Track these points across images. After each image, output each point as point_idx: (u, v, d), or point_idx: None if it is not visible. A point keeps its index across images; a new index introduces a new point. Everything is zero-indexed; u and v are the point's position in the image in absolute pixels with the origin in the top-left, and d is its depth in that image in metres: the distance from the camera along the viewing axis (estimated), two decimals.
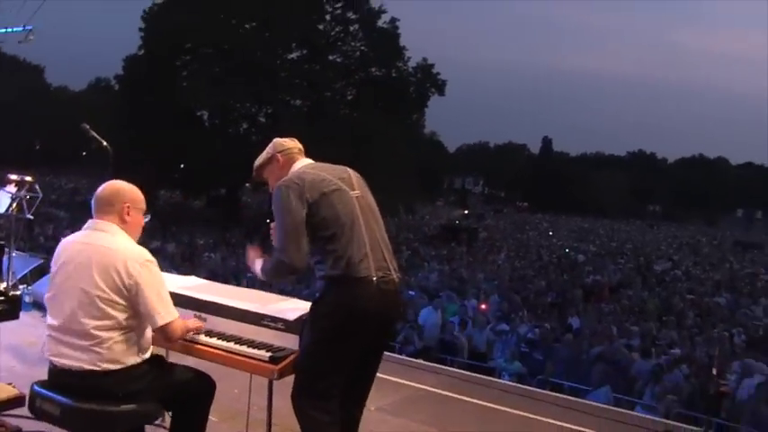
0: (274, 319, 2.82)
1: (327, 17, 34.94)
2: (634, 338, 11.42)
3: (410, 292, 14.12)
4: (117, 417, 2.48)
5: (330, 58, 34.94)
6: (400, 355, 7.71)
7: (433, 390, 5.03)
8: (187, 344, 2.81)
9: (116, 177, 4.47)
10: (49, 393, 2.50)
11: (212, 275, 11.68)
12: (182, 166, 32.02)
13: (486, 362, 10.06)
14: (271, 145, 3.10)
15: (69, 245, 2.70)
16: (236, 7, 32.42)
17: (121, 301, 2.51)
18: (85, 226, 2.72)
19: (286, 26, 33.12)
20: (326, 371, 2.70)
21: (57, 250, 2.77)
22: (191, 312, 2.90)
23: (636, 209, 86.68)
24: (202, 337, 2.82)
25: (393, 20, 34.47)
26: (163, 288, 2.60)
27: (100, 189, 2.75)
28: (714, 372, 6.06)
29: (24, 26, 11.71)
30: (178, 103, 29.87)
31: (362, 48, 35.11)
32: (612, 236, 50.65)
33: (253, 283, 13.50)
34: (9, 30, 11.81)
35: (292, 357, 2.69)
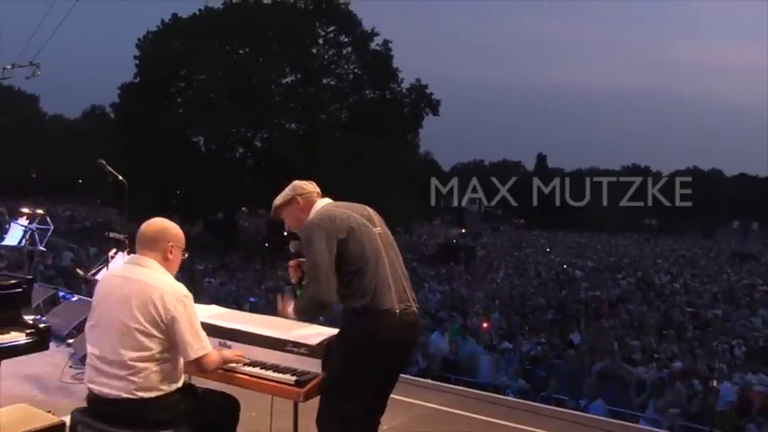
0: (297, 345, 2.96)
1: (320, 41, 35.33)
2: (635, 353, 11.54)
3: None
4: None
5: (324, 81, 35.27)
6: (405, 375, 7.80)
7: (443, 408, 5.13)
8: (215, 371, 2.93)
9: (124, 208, 4.65)
10: (90, 421, 2.63)
11: (213, 301, 11.77)
12: (178, 192, 32.16)
13: (490, 380, 10.17)
14: (290, 187, 3.23)
15: (111, 278, 2.87)
16: (229, 34, 32.81)
17: (158, 334, 2.64)
18: (127, 260, 2.93)
19: (280, 51, 33.50)
20: (351, 396, 2.84)
21: (99, 282, 2.96)
22: (216, 340, 3.02)
23: (632, 223, 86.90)
24: (232, 364, 2.94)
25: (386, 42, 34.95)
26: (197, 322, 2.74)
27: (145, 226, 2.90)
28: (715, 384, 6.22)
29: (31, 62, 12.00)
30: (174, 130, 30.10)
31: (356, 70, 35.48)
32: (610, 251, 50.86)
33: (256, 307, 13.61)
34: (15, 65, 12.04)
35: (317, 380, 2.82)
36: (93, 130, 59.18)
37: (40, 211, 6.29)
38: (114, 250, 5.09)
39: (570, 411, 5.79)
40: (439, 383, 6.16)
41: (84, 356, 5.30)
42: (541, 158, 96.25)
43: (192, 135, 33.82)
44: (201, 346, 2.72)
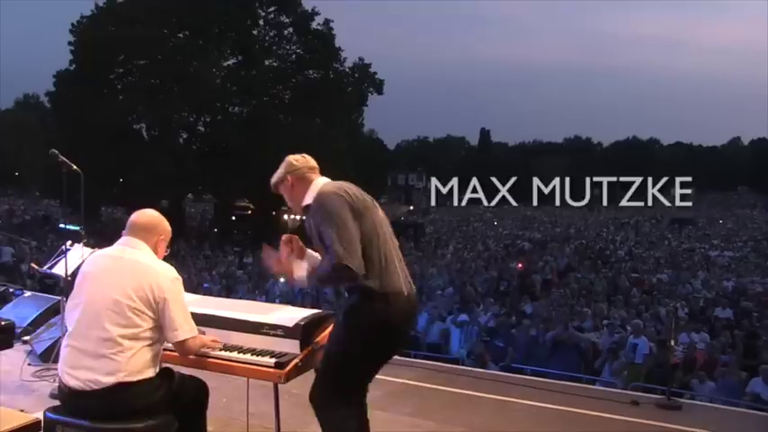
0: (274, 327, 2.96)
1: (261, 22, 34.72)
2: (586, 320, 11.87)
3: None
4: None
5: (266, 63, 34.73)
6: None
7: (413, 383, 5.21)
8: (194, 357, 2.91)
9: (72, 200, 4.54)
10: (67, 418, 2.56)
11: None
12: (121, 180, 31.36)
13: (446, 353, 10.35)
14: (283, 164, 3.16)
15: (101, 258, 2.86)
16: (167, 17, 31.95)
17: (149, 313, 2.65)
18: (119, 242, 2.86)
19: (219, 33, 32.84)
20: (357, 376, 2.88)
21: (87, 262, 2.94)
22: None
23: (575, 193, 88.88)
24: (207, 349, 2.93)
25: (327, 21, 34.52)
26: (186, 306, 2.77)
27: (138, 215, 2.93)
28: (671, 344, 6.48)
29: None
30: (114, 117, 29.26)
31: (298, 50, 35.02)
32: (556, 222, 51.80)
33: (210, 293, 13.45)
34: None
35: (296, 362, 2.84)
36: (27, 120, 57.22)
37: None
38: (70, 242, 4.95)
39: (534, 378, 5.93)
40: (407, 359, 6.23)
41: (46, 353, 5.22)
42: (485, 133, 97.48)
43: (134, 122, 32.97)
44: (191, 328, 2.75)
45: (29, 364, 5.11)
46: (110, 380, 2.55)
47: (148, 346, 2.67)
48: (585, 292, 15.92)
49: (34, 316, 6.03)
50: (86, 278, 2.80)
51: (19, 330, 5.90)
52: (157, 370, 2.75)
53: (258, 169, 29.68)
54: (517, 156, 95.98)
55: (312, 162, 3.17)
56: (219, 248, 25.75)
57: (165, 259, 2.96)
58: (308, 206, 2.99)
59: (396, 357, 6.82)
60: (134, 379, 2.60)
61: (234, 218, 35.88)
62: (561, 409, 4.73)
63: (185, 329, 2.72)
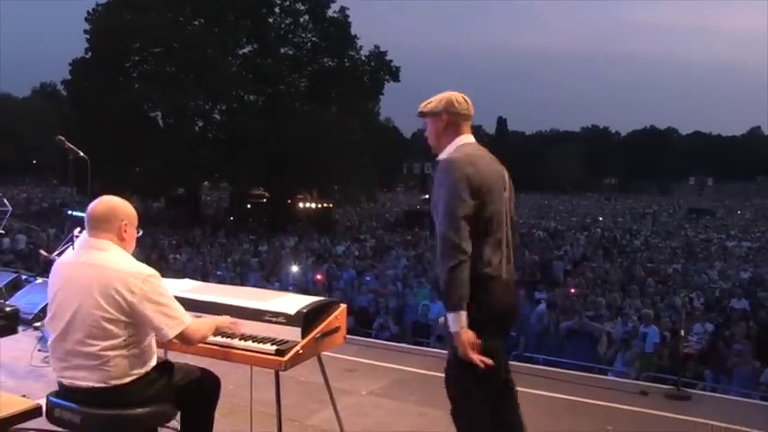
0: (275, 314, 2.94)
1: (276, 9, 34.66)
2: (600, 309, 11.80)
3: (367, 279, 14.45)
4: (135, 419, 2.56)
5: (282, 50, 34.70)
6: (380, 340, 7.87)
7: (421, 371, 5.19)
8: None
9: (87, 185, 4.53)
10: (67, 403, 2.56)
11: (180, 276, 11.69)
12: (137, 168, 31.55)
13: None
14: (443, 98, 2.93)
15: (66, 266, 2.70)
16: (182, 5, 32.02)
17: (125, 319, 2.52)
18: (80, 245, 2.72)
19: (235, 21, 32.84)
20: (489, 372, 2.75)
21: (53, 271, 2.75)
22: (192, 314, 2.96)
23: (592, 183, 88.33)
24: (211, 337, 2.88)
25: (342, 9, 34.40)
26: (167, 300, 2.61)
27: (93, 206, 2.73)
28: (682, 334, 6.41)
29: None
30: (130, 105, 29.42)
31: (314, 38, 34.95)
32: (572, 211, 51.54)
33: (223, 281, 13.52)
34: None
35: (297, 349, 2.82)
36: (44, 108, 57.69)
37: None
38: (78, 229, 4.96)
39: (542, 367, 5.90)
40: (416, 347, 6.22)
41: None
42: (501, 122, 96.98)
43: (150, 110, 33.13)
44: (177, 323, 2.60)
45: (39, 350, 5.15)
46: (102, 385, 2.53)
47: (134, 348, 2.58)
48: (601, 282, 15.82)
49: (45, 303, 6.05)
50: (57, 289, 2.65)
51: (30, 317, 5.97)
52: (151, 364, 2.68)
53: (274, 157, 29.89)
54: (534, 144, 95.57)
55: (471, 110, 2.96)
56: (234, 236, 25.84)
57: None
58: (438, 159, 2.88)
59: (404, 345, 6.83)
60: (126, 381, 2.56)
61: (249, 206, 36.01)
62: (569, 398, 4.69)
63: (171, 326, 2.58)
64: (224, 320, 2.93)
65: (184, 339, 2.67)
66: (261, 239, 24.65)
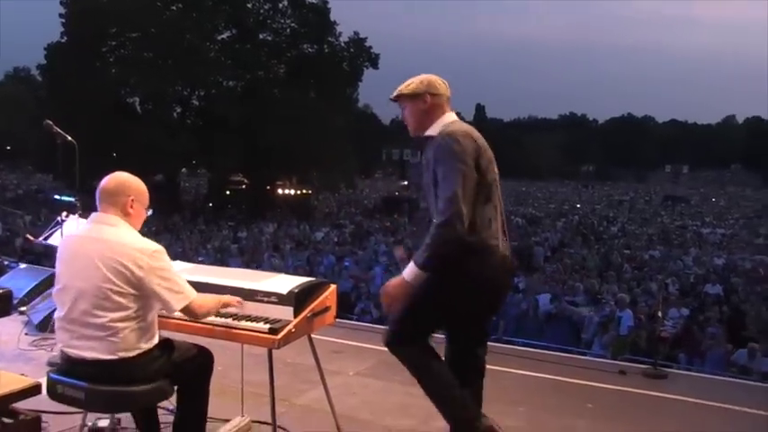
0: (267, 294, 3.00)
1: None
2: (578, 294, 12.00)
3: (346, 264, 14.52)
4: (137, 396, 2.64)
5: (261, 36, 34.47)
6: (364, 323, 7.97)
7: None
8: (187, 323, 2.96)
9: (66, 172, 4.54)
10: (70, 380, 2.61)
11: None
12: (115, 154, 31.24)
13: None
14: (424, 80, 2.95)
15: (75, 239, 2.77)
16: None
17: (134, 292, 2.59)
18: (89, 219, 2.78)
19: (213, 6, 32.53)
20: (432, 324, 2.89)
21: (61, 244, 2.85)
22: None
23: (570, 170, 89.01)
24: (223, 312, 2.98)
25: None
26: (173, 275, 2.69)
27: (105, 181, 2.79)
28: (659, 318, 6.59)
29: None
30: (107, 91, 29.08)
31: (293, 24, 34.71)
32: (550, 198, 51.94)
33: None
34: None
35: (289, 328, 2.89)
36: (18, 93, 56.66)
37: None
38: (65, 213, 4.99)
39: (524, 349, 6.02)
40: None
41: (42, 323, 5.28)
42: (480, 108, 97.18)
43: (127, 95, 32.76)
44: (183, 297, 2.69)
45: (26, 334, 5.19)
46: (110, 357, 2.59)
47: (140, 321, 2.66)
48: (579, 268, 16.05)
49: (30, 287, 6.07)
50: (64, 262, 2.73)
51: (15, 301, 5.98)
52: (155, 340, 2.76)
53: (252, 143, 29.78)
54: (512, 131, 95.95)
55: (449, 93, 2.99)
56: (214, 222, 25.78)
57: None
58: (429, 137, 2.89)
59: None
60: (133, 354, 2.63)
61: (228, 192, 35.87)
62: (550, 377, 4.82)
63: (177, 299, 2.67)
64: (231, 298, 2.99)
65: (189, 312, 2.76)
66: (240, 226, 24.61)
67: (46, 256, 11.67)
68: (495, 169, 2.92)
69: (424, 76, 2.97)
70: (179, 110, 34.36)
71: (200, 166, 38.33)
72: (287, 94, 31.84)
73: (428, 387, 2.88)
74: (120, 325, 2.59)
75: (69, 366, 2.66)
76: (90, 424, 3.36)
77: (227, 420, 3.54)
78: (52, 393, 2.66)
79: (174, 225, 24.08)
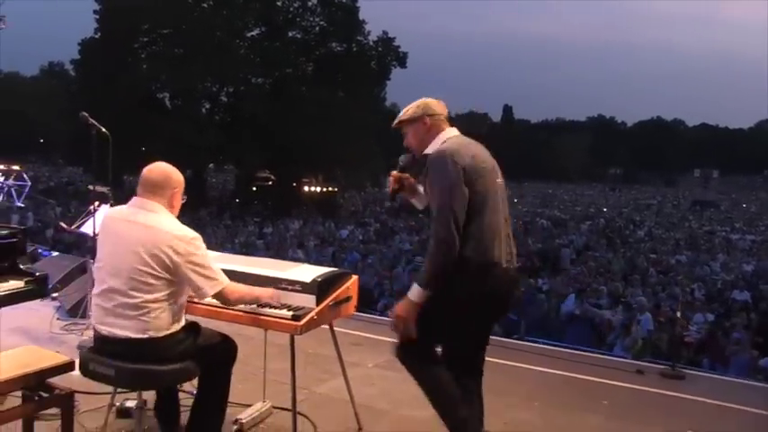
0: (291, 282, 3.11)
1: None
2: (602, 297, 11.94)
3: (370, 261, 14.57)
4: (164, 375, 2.77)
5: (290, 34, 34.77)
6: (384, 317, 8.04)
7: None
8: (214, 309, 3.09)
9: (99, 163, 4.68)
10: (100, 357, 2.76)
11: None
12: (143, 149, 31.70)
13: None
14: (420, 104, 3.06)
15: (117, 222, 2.88)
16: None
17: (169, 276, 2.73)
18: (131, 203, 2.90)
19: (244, 4, 32.85)
20: (443, 339, 2.95)
21: (102, 224, 3.01)
22: None
23: (597, 173, 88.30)
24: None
25: None
26: (208, 262, 2.82)
27: (149, 170, 2.92)
28: (679, 324, 6.57)
29: None
30: (138, 86, 29.52)
31: (322, 23, 34.98)
32: (576, 200, 51.58)
33: None
34: None
35: (311, 315, 2.99)
36: (53, 87, 57.64)
37: (15, 167, 6.31)
38: (97, 203, 5.14)
39: (542, 346, 6.06)
40: None
41: (73, 308, 5.47)
42: (507, 110, 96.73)
43: (158, 91, 33.25)
44: (216, 283, 2.81)
45: (58, 319, 5.39)
46: (140, 336, 2.72)
47: (172, 304, 2.79)
48: (603, 271, 15.95)
49: (62, 274, 6.27)
50: (103, 242, 2.88)
51: (49, 288, 6.19)
52: (183, 323, 2.89)
53: (280, 140, 30.01)
54: (539, 133, 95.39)
55: (446, 111, 3.11)
56: (240, 218, 26.04)
57: (183, 214, 3.03)
58: (426, 156, 2.98)
59: None
60: (162, 334, 2.76)
61: (255, 188, 36.19)
62: (566, 374, 4.86)
63: (211, 285, 2.79)
64: (267, 292, 3.08)
65: (222, 298, 2.88)
66: (266, 222, 24.83)
67: (76, 246, 11.96)
68: (499, 178, 2.97)
69: (420, 101, 3.08)
70: (207, 106, 34.79)
71: (228, 162, 38.71)
72: (315, 92, 32.05)
73: (434, 401, 2.98)
74: (152, 306, 2.72)
75: (100, 345, 2.81)
76: (118, 404, 3.49)
77: (250, 405, 3.65)
78: (84, 370, 2.80)
79: (200, 220, 24.33)
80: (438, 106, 3.07)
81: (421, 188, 3.17)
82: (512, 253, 2.95)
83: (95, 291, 2.86)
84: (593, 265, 16.64)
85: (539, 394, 4.37)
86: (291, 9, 34.89)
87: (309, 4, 34.70)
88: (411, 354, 2.96)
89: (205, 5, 33.00)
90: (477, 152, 2.91)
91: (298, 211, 30.17)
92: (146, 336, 2.73)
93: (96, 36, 32.35)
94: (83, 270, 5.91)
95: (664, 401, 4.45)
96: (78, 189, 31.50)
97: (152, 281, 2.71)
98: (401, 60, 35.17)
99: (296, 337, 3.04)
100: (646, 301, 10.65)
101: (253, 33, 34.55)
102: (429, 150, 2.98)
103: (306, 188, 36.57)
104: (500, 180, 2.98)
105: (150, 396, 3.17)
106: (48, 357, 2.89)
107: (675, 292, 12.52)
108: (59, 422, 2.88)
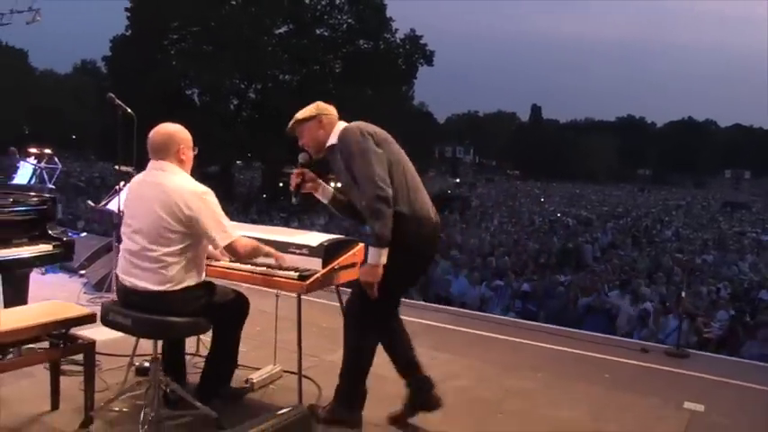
0: (299, 246, 3.32)
1: None
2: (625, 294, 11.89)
3: None
4: (178, 326, 2.98)
5: (317, 31, 34.99)
6: None
7: (436, 324, 5.53)
8: (227, 270, 3.31)
9: (124, 145, 4.92)
10: (120, 308, 2.99)
11: None
12: None
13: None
14: (314, 106, 3.33)
15: (137, 185, 3.16)
16: None
17: (185, 230, 2.95)
18: (148, 167, 3.14)
19: (272, 1, 33.18)
20: (385, 300, 3.11)
21: (127, 188, 3.32)
22: None
23: (626, 173, 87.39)
24: (238, 264, 3.32)
25: None
26: (219, 215, 3.03)
27: (153, 134, 3.18)
28: (700, 320, 6.62)
29: (30, 7, 12.09)
30: (168, 83, 30.02)
31: (349, 20, 35.17)
32: (604, 200, 51.14)
33: None
34: (14, 11, 12.11)
35: (317, 276, 3.18)
36: (85, 84, 58.77)
37: (47, 151, 6.59)
38: (122, 183, 5.37)
39: (550, 326, 6.18)
40: (431, 304, 6.54)
41: (99, 283, 5.75)
42: (536, 109, 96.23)
43: (187, 87, 33.76)
44: (227, 235, 3.01)
45: (84, 293, 5.67)
46: (159, 288, 2.94)
47: (191, 257, 3.00)
48: (628, 269, 15.88)
49: (89, 253, 6.56)
50: (128, 203, 3.14)
51: (76, 266, 6.48)
52: (201, 278, 3.09)
53: None
54: (568, 133, 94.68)
55: (336, 113, 3.38)
56: (266, 213, 26.34)
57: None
58: (332, 146, 3.23)
59: (416, 302, 7.12)
60: (179, 287, 2.97)
61: (281, 184, 36.53)
62: (572, 351, 4.97)
63: (222, 237, 2.99)
64: (273, 251, 3.27)
65: (232, 250, 3.07)
66: (292, 217, 25.10)
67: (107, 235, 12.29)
68: (397, 146, 3.20)
69: (313, 104, 3.34)
70: (235, 102, 35.19)
71: (255, 159, 39.09)
72: (342, 89, 32.25)
73: (349, 364, 3.30)
74: (170, 259, 2.94)
75: (123, 296, 3.04)
76: (137, 364, 3.70)
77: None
78: (105, 319, 3.03)
79: (227, 215, 24.65)
80: (330, 108, 3.34)
81: (325, 185, 3.51)
82: (433, 207, 3.21)
83: (122, 247, 3.10)
84: (617, 263, 16.58)
85: (544, 366, 4.50)
86: (319, 6, 35.15)
87: (337, 1, 34.94)
88: (365, 313, 3.16)
89: (234, 3, 33.42)
90: (372, 126, 3.18)
91: (324, 207, 30.39)
92: (163, 288, 2.93)
93: (127, 33, 32.95)
94: (108, 249, 6.19)
95: (664, 376, 4.55)
96: (107, 184, 32.09)
97: (169, 234, 2.92)
98: (428, 59, 35.24)
99: (313, 312, 3.24)
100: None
101: (280, 30, 34.87)
102: (332, 140, 3.22)
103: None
104: (398, 146, 3.21)
105: None
106: (71, 309, 3.12)
107: (700, 290, 12.46)
108: (82, 378, 3.10)
